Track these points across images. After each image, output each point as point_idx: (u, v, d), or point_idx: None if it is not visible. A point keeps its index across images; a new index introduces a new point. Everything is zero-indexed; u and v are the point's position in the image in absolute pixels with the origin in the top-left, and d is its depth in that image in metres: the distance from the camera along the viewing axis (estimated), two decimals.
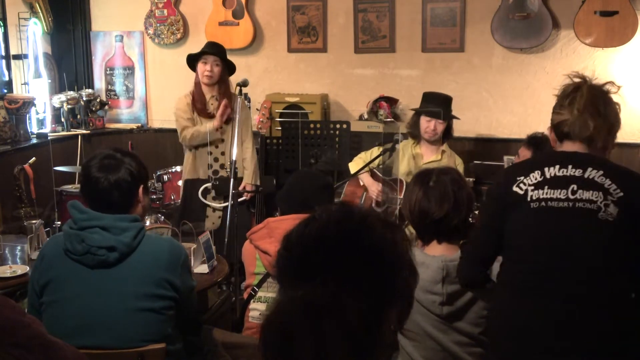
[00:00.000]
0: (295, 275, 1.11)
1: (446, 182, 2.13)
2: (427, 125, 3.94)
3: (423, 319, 2.07)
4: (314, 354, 0.98)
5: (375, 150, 4.08)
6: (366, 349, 1.04)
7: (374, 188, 3.97)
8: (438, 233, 2.14)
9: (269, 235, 2.52)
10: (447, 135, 4.05)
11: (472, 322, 2.07)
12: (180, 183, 4.51)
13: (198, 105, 4.21)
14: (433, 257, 2.08)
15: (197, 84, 4.23)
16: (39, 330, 1.39)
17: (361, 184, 4.07)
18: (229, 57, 4.28)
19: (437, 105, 4.00)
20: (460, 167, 3.99)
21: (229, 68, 4.28)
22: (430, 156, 4.01)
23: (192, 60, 4.23)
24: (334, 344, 0.99)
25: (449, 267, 2.04)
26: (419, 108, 4.05)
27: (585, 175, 1.90)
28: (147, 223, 3.52)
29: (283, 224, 2.50)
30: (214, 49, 4.22)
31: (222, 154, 4.28)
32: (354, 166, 4.03)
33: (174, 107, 4.31)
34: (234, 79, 4.23)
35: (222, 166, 4.26)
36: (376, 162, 3.92)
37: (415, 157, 4.00)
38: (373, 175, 4.06)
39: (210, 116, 4.21)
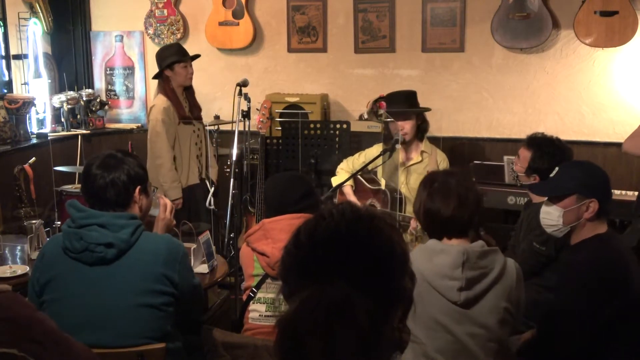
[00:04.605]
0: (303, 273, 1.12)
1: (450, 183, 2.17)
2: (395, 125, 3.87)
3: (437, 308, 2.11)
4: (325, 353, 0.99)
5: (357, 157, 4.06)
6: (374, 348, 1.05)
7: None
8: (447, 232, 2.17)
9: (265, 237, 2.53)
10: (422, 131, 3.97)
11: (489, 310, 2.11)
12: None
13: (181, 111, 4.27)
14: (452, 245, 2.14)
15: (172, 90, 4.26)
16: (52, 326, 1.39)
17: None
18: (229, 57, 4.32)
19: (400, 103, 3.95)
20: (444, 163, 3.95)
21: None
22: (411, 159, 3.97)
23: (166, 66, 4.24)
24: (345, 344, 1.00)
25: (469, 253, 2.09)
26: (385, 112, 4.00)
27: None
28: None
29: (278, 224, 2.52)
30: (188, 54, 4.33)
31: (202, 155, 4.43)
32: (337, 180, 3.96)
33: (156, 115, 4.20)
34: (234, 79, 4.23)
35: (202, 167, 4.39)
36: (372, 165, 3.88)
37: (396, 161, 3.96)
38: (358, 184, 4.03)
39: (187, 119, 4.29)
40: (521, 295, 2.21)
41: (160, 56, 4.28)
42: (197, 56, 4.43)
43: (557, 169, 2.60)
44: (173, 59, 4.20)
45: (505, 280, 2.13)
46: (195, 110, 4.39)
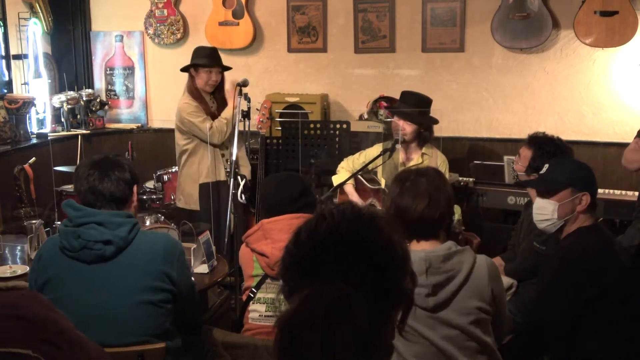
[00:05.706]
0: (303, 273, 1.12)
1: (421, 182, 2.14)
2: (396, 124, 3.90)
3: (410, 315, 2.07)
4: (322, 353, 0.99)
5: (357, 156, 4.06)
6: (372, 348, 1.05)
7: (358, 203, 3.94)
8: (415, 232, 2.14)
9: (264, 237, 2.52)
10: (424, 137, 3.97)
11: (460, 311, 2.07)
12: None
13: (205, 109, 4.21)
14: (415, 251, 2.06)
15: (197, 90, 4.21)
16: (67, 325, 1.38)
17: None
18: (229, 57, 4.30)
19: (411, 106, 3.96)
20: (443, 166, 3.95)
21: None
22: (411, 159, 3.99)
23: (192, 67, 4.20)
24: (344, 343, 1.00)
25: (431, 258, 2.05)
26: (385, 112, 4.02)
27: None
28: (148, 223, 3.52)
29: (277, 224, 2.51)
30: (218, 61, 4.23)
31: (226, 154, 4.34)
32: (337, 179, 3.97)
33: (181, 113, 4.16)
34: (234, 79, 4.23)
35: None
36: (372, 165, 3.88)
37: (396, 161, 3.97)
38: (358, 184, 4.04)
39: (214, 117, 4.22)
40: (499, 290, 2.14)
41: (193, 54, 4.26)
42: (225, 67, 4.30)
43: (546, 165, 2.63)
44: (197, 62, 4.17)
45: (474, 279, 2.08)
46: (223, 110, 4.30)
